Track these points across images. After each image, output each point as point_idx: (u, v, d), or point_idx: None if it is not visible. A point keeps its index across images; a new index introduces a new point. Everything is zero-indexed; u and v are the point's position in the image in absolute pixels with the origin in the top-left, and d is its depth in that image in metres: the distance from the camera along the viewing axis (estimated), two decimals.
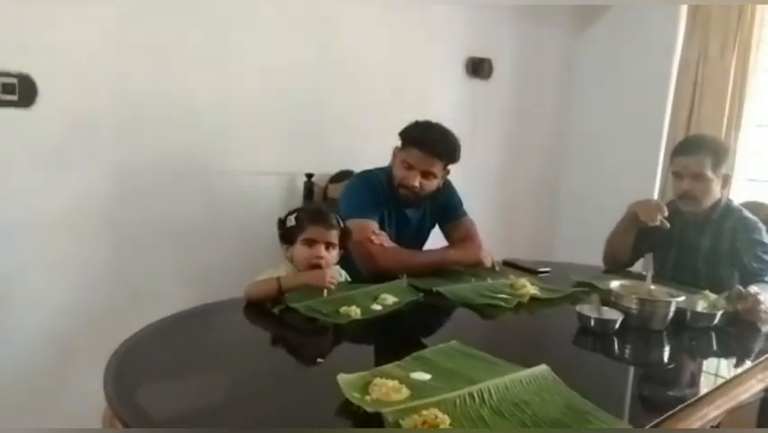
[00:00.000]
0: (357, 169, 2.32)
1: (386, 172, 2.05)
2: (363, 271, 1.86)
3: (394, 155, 2.03)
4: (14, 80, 1.78)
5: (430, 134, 1.96)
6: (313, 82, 2.38)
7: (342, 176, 2.34)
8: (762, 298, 1.70)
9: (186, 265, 2.18)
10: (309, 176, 2.30)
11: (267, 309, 1.53)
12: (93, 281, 2.01)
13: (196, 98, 2.12)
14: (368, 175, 2.05)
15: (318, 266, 1.62)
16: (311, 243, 1.64)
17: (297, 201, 2.31)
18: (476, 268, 1.98)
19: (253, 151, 2.28)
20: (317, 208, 1.81)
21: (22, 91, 1.80)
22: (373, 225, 1.92)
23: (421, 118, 2.01)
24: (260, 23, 2.22)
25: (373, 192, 1.99)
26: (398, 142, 2.00)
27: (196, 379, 1.16)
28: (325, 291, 1.59)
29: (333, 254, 1.68)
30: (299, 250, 1.66)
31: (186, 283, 2.16)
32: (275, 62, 2.26)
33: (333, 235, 1.67)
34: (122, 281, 2.06)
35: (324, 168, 2.36)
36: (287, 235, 1.70)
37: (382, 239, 1.91)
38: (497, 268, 2.00)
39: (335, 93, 2.44)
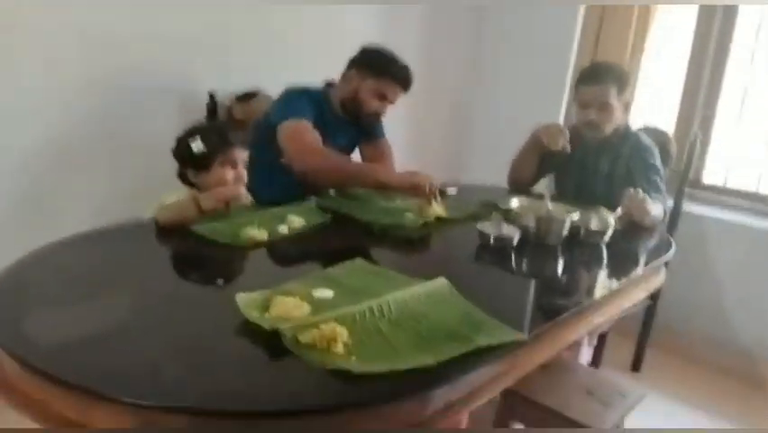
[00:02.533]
0: (265, 89, 2.24)
1: (320, 91, 2.05)
2: (295, 167, 1.84)
3: (349, 80, 2.00)
4: None
5: (404, 69, 1.99)
6: None
7: (250, 96, 2.24)
8: (646, 198, 1.82)
9: (81, 187, 2.05)
10: (212, 94, 2.18)
11: (166, 233, 1.47)
12: None
13: (91, 11, 1.93)
14: (302, 89, 2.02)
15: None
16: (232, 164, 1.64)
17: (200, 120, 2.19)
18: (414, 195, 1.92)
19: (153, 65, 2.12)
20: (227, 129, 1.74)
21: None
22: (311, 125, 1.90)
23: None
24: None
25: (309, 102, 1.96)
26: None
27: (91, 303, 1.11)
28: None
29: (245, 173, 1.69)
30: (217, 173, 1.63)
31: (82, 206, 2.04)
32: None
33: (246, 156, 1.69)
34: (14, 203, 1.92)
35: (229, 86, 2.24)
36: (196, 160, 1.63)
37: (319, 137, 1.89)
38: (437, 198, 1.83)
39: (240, 9, 2.29)
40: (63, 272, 1.25)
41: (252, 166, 1.74)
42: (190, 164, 1.66)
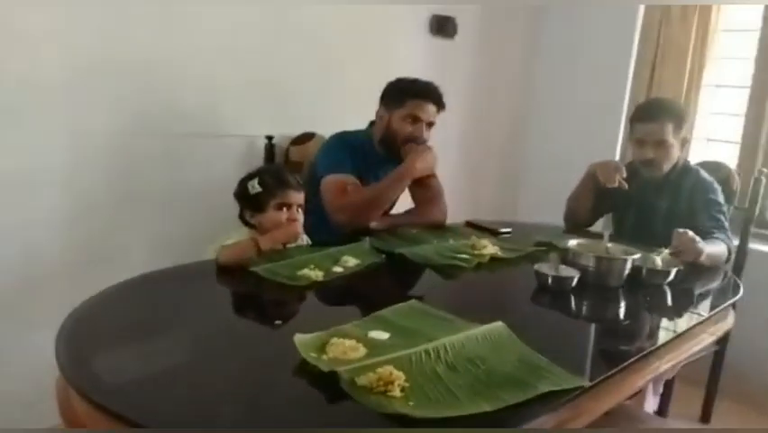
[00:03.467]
0: (319, 130, 2.29)
1: (365, 134, 2.08)
2: (334, 223, 1.87)
3: (381, 117, 2.04)
4: None
5: (427, 84, 2.01)
6: (272, 42, 2.31)
7: (305, 138, 2.30)
8: (697, 239, 1.74)
9: (143, 229, 2.13)
10: (269, 138, 2.26)
11: (226, 273, 1.51)
12: (48, 245, 1.95)
13: (152, 59, 2.04)
14: (345, 135, 2.07)
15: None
16: (286, 206, 1.69)
17: (258, 164, 2.27)
18: (437, 229, 1.98)
19: (211, 113, 2.21)
20: (282, 171, 1.80)
21: None
22: (352, 179, 1.94)
23: (384, 78, 1.99)
24: None
25: (351, 151, 2.00)
26: (366, 103, 1.98)
27: (153, 343, 1.14)
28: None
29: (301, 215, 1.73)
30: (272, 214, 1.69)
31: (143, 248, 2.11)
32: (231, 22, 2.18)
33: (302, 197, 1.74)
34: (78, 246, 2.00)
35: (285, 130, 2.31)
36: (253, 202, 1.69)
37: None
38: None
39: (294, 54, 2.38)
40: (129, 312, 1.29)
41: (308, 207, 1.78)
42: (248, 205, 1.71)
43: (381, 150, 2.08)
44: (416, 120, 2.01)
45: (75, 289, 1.28)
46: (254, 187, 1.69)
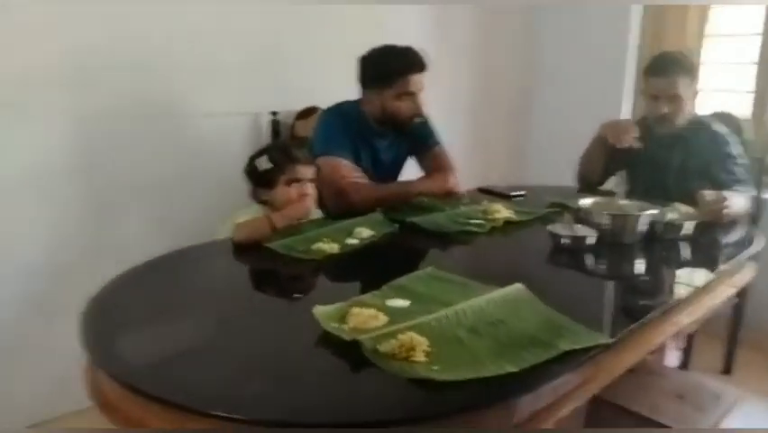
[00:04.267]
0: (324, 104, 2.27)
1: (357, 105, 2.01)
2: (334, 208, 1.86)
3: (370, 99, 1.98)
4: None
5: (407, 53, 1.92)
6: (269, 17, 2.28)
7: (309, 112, 2.29)
8: (726, 199, 1.73)
9: (156, 212, 2.14)
10: (274, 114, 2.24)
11: (242, 250, 1.51)
12: (63, 236, 1.97)
13: (153, 43, 2.03)
14: (338, 109, 2.02)
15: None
16: (296, 181, 1.69)
17: (264, 140, 2.26)
18: (448, 197, 1.96)
19: (214, 92, 2.20)
20: (290, 147, 1.79)
21: None
22: (345, 161, 1.90)
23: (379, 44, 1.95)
24: None
25: (345, 127, 1.96)
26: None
27: (174, 322, 1.15)
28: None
29: (312, 189, 1.72)
30: (283, 191, 1.68)
31: (157, 230, 2.12)
32: (230, 2, 2.15)
33: (312, 171, 1.73)
34: (92, 234, 2.02)
35: (289, 105, 2.30)
36: (263, 178, 1.69)
37: (354, 174, 1.89)
38: (464, 200, 1.92)
39: (294, 29, 2.35)
40: (148, 294, 1.29)
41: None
42: (258, 182, 1.71)
43: (377, 126, 2.02)
44: (410, 95, 1.94)
45: (94, 277, 1.28)
46: (263, 164, 1.68)
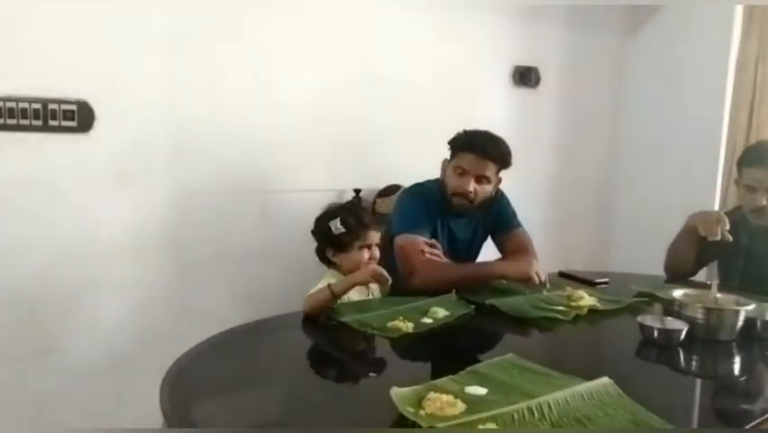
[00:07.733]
0: (405, 183, 2.31)
1: (437, 184, 2.03)
2: (407, 284, 1.84)
3: (444, 167, 2.02)
4: (73, 107, 1.87)
5: (480, 138, 1.95)
6: (358, 98, 2.40)
7: (390, 190, 2.34)
8: None
9: (241, 283, 2.22)
10: (357, 191, 2.31)
11: (319, 324, 1.52)
12: (150, 300, 2.06)
13: (247, 119, 2.18)
14: (418, 188, 2.05)
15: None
16: (368, 247, 1.72)
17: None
18: (526, 283, 1.83)
19: (302, 169, 2.31)
20: (362, 211, 1.82)
21: (80, 117, 1.88)
22: (423, 238, 1.90)
23: (467, 128, 1.99)
24: (304, 42, 2.26)
25: (424, 205, 1.97)
26: (447, 154, 1.98)
27: (250, 394, 1.16)
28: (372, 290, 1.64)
29: (377, 253, 1.76)
30: (357, 255, 1.72)
31: (241, 301, 2.19)
32: (320, 80, 2.29)
33: (379, 236, 1.77)
34: (179, 300, 2.11)
35: (372, 183, 2.36)
36: (336, 242, 1.72)
37: (434, 251, 1.88)
38: (547, 286, 1.82)
39: (380, 108, 2.45)
40: (225, 364, 1.31)
41: (390, 253, 1.81)
42: (329, 244, 1.75)
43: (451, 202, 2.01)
44: (463, 172, 1.93)
45: (176, 344, 1.32)
46: (337, 228, 1.71)
